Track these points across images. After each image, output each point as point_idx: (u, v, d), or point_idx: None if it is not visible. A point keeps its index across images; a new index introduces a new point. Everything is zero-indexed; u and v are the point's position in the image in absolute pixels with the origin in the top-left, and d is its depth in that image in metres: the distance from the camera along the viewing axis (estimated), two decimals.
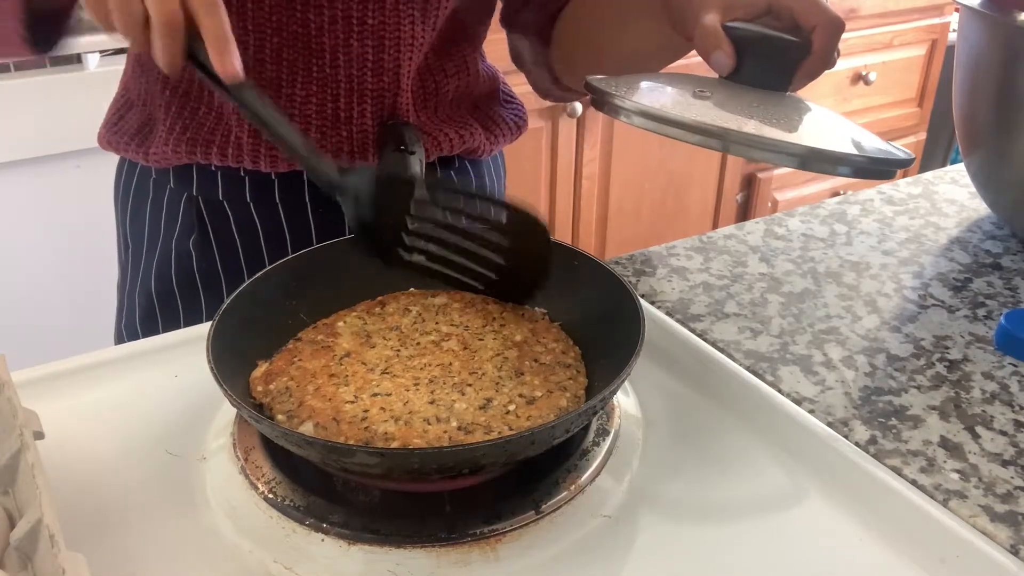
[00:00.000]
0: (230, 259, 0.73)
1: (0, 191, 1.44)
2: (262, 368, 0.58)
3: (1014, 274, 0.79)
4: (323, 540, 0.50)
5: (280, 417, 0.54)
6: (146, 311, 0.78)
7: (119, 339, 0.83)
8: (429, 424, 0.52)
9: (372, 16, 0.67)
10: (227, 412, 0.60)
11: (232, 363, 0.55)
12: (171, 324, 0.77)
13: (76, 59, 1.45)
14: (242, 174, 0.74)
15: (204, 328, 0.57)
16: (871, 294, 0.75)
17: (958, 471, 0.55)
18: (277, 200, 0.74)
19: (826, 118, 0.62)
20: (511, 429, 0.53)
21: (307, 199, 0.74)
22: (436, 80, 0.76)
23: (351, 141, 0.71)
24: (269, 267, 0.63)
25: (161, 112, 0.73)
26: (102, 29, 0.51)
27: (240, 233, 0.74)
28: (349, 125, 0.70)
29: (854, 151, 0.58)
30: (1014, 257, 0.82)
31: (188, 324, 0.72)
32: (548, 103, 1.77)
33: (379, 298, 0.65)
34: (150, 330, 0.77)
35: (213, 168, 0.73)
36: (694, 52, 0.65)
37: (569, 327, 0.63)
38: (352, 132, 0.70)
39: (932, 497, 0.53)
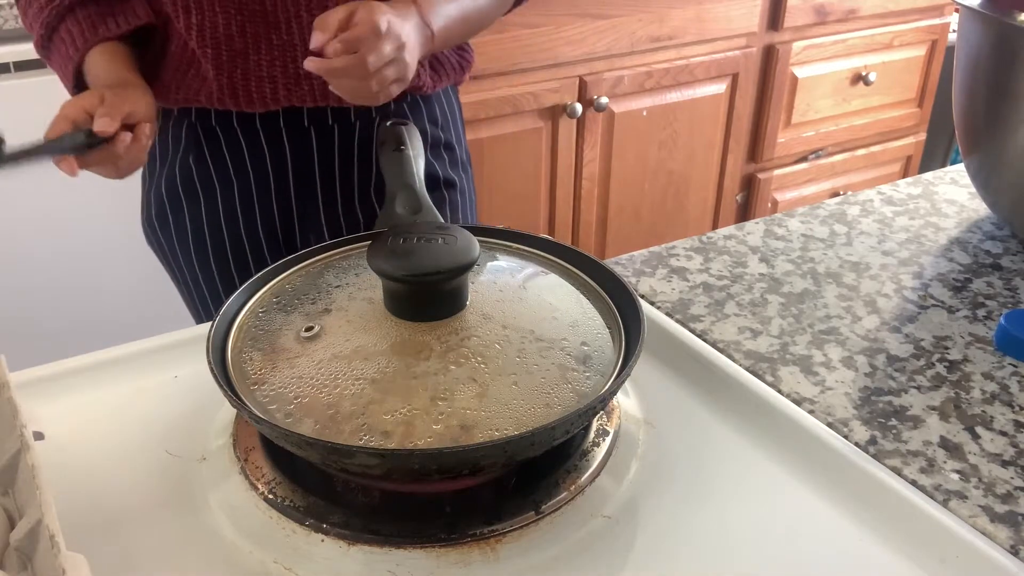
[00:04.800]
0: (221, 172, 0.91)
1: (0, 191, 1.44)
2: None
3: (1014, 274, 0.79)
4: (323, 540, 0.50)
5: (280, 417, 0.54)
6: (159, 208, 0.95)
7: (145, 233, 0.99)
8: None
9: None
10: (227, 412, 0.60)
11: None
12: (179, 218, 0.93)
13: None
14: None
15: (204, 328, 0.57)
16: (871, 294, 0.75)
17: (958, 471, 0.55)
18: (258, 127, 0.89)
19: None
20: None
21: (282, 125, 0.89)
22: None
23: (312, 94, 0.86)
24: (266, 270, 0.63)
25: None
26: None
27: (229, 152, 0.90)
28: (310, 81, 0.85)
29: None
30: (1014, 257, 0.82)
31: (193, 225, 0.92)
32: (549, 104, 1.76)
33: None
34: (163, 225, 0.95)
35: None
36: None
37: None
38: (313, 87, 0.85)
39: (932, 497, 0.53)
